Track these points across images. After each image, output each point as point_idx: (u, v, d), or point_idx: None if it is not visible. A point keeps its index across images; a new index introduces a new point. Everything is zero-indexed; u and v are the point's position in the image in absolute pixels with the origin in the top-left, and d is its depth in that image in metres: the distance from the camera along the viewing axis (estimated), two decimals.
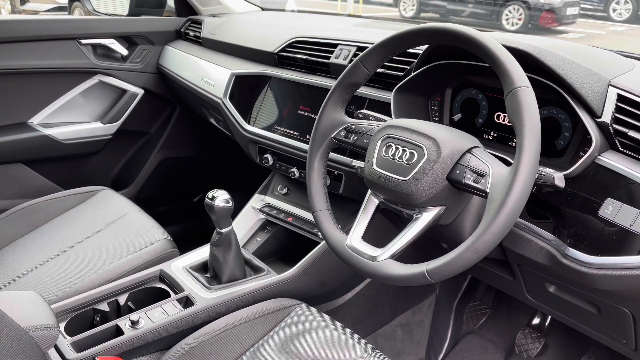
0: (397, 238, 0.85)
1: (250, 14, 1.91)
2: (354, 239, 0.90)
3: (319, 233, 1.13)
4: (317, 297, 1.29)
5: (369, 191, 0.93)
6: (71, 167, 1.83)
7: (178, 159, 2.06)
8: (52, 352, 0.98)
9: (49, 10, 6.32)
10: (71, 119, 1.78)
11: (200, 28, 1.78)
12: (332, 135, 0.98)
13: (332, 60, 1.27)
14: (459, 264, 0.74)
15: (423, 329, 1.56)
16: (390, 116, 1.05)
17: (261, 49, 1.45)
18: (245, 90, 1.47)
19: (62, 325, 1.07)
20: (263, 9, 2.03)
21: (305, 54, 1.34)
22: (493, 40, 0.78)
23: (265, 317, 1.09)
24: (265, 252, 1.39)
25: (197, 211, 2.11)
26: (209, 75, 1.59)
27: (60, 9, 6.26)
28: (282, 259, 1.40)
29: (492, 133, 1.03)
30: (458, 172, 0.80)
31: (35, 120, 1.72)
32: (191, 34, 1.82)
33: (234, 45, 1.58)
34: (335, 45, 1.30)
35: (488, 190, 0.76)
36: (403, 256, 0.83)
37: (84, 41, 1.75)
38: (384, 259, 0.84)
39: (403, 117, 1.00)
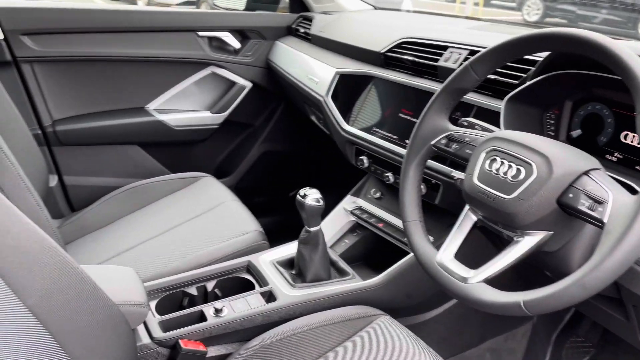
0: (493, 260, 0.77)
1: (362, 13, 1.89)
2: (445, 256, 0.84)
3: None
4: (401, 309, 1.23)
5: (467, 206, 0.86)
6: (179, 152, 1.93)
7: (278, 152, 2.10)
8: (141, 328, 1.03)
9: (180, 4, 6.78)
10: (183, 106, 1.88)
11: (311, 25, 1.78)
12: (432, 143, 0.93)
13: (441, 63, 1.21)
14: (562, 299, 0.66)
15: (515, 358, 1.44)
16: (499, 127, 0.97)
17: (368, 48, 1.42)
18: (348, 90, 1.45)
19: (152, 304, 1.12)
20: (376, 8, 1.99)
21: (413, 56, 1.29)
22: (627, 49, 0.68)
23: (346, 323, 1.06)
24: (352, 256, 1.36)
25: (292, 205, 2.13)
26: (314, 72, 1.59)
27: (190, 2, 6.70)
28: (369, 265, 1.37)
29: (616, 154, 0.91)
30: (571, 195, 0.71)
31: (152, 106, 1.84)
32: (301, 30, 1.83)
33: (341, 43, 1.56)
34: (445, 48, 1.23)
35: (605, 220, 0.66)
36: (497, 278, 0.76)
37: (201, 33, 1.83)
38: (476, 281, 0.77)
39: (513, 129, 0.92)
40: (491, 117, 1.05)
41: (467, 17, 4.35)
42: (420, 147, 0.94)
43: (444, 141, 0.92)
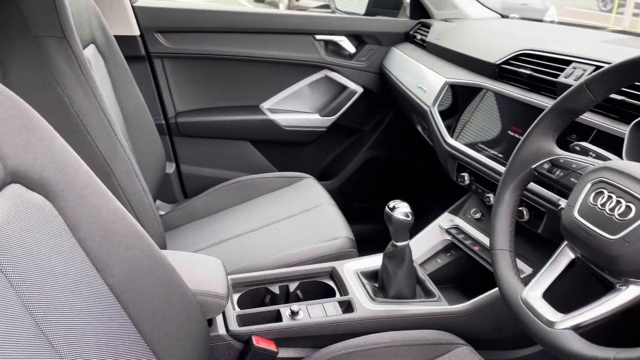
0: (588, 307, 0.68)
1: (486, 21, 1.78)
2: (533, 294, 0.75)
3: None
4: (486, 342, 1.14)
5: (565, 241, 0.76)
6: (287, 151, 1.98)
7: (383, 160, 2.06)
8: (219, 319, 1.07)
9: (317, 7, 7.00)
10: (294, 107, 1.92)
11: (428, 32, 1.72)
12: (533, 166, 0.84)
13: (561, 79, 1.09)
14: None
15: None
16: (620, 156, 0.85)
17: (481, 58, 1.33)
18: (456, 101, 1.37)
19: (236, 296, 1.15)
20: (503, 16, 1.87)
21: (531, 69, 1.18)
22: None
23: (422, 347, 1.01)
24: (443, 277, 1.28)
25: None
26: (423, 81, 1.53)
27: (326, 6, 6.87)
28: (458, 289, 1.28)
29: None
30: None
31: (265, 105, 1.91)
32: (418, 37, 1.78)
33: (454, 52, 1.49)
34: (568, 63, 1.11)
35: None
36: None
37: (318, 37, 1.86)
38: (563, 327, 0.68)
39: (637, 160, 0.80)
40: (613, 143, 0.92)
41: (613, 30, 3.94)
42: (520, 169, 0.86)
43: (546, 166, 0.82)
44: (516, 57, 1.25)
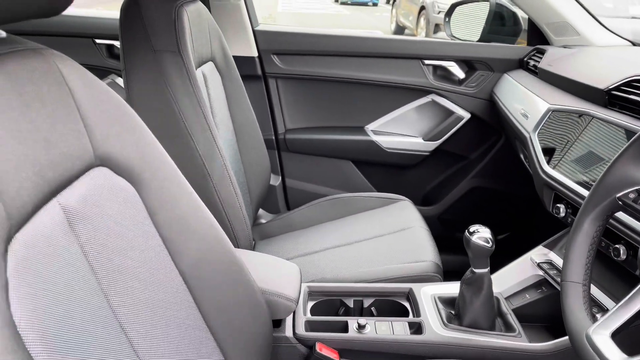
0: None
1: (610, 49, 1.65)
2: (599, 331, 0.69)
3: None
4: None
5: None
6: (387, 173, 1.99)
7: (489, 190, 1.98)
8: (289, 321, 1.11)
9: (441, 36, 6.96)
10: (398, 130, 1.93)
11: (542, 58, 1.64)
12: (618, 195, 0.77)
13: None
14: None
15: None
16: None
17: (588, 83, 1.24)
18: (558, 128, 1.29)
19: (310, 304, 1.19)
20: (634, 44, 1.72)
21: None
22: None
23: None
24: (529, 314, 1.20)
25: None
26: (527, 107, 1.46)
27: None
28: (546, 330, 1.18)
29: None
30: None
31: (370, 127, 1.95)
32: (531, 63, 1.70)
33: (561, 77, 1.40)
34: None
35: None
36: None
37: (427, 62, 1.87)
38: None
39: None
40: None
41: None
42: (602, 197, 0.79)
43: (632, 195, 0.75)
44: (628, 83, 1.14)
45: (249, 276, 0.92)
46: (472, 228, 1.06)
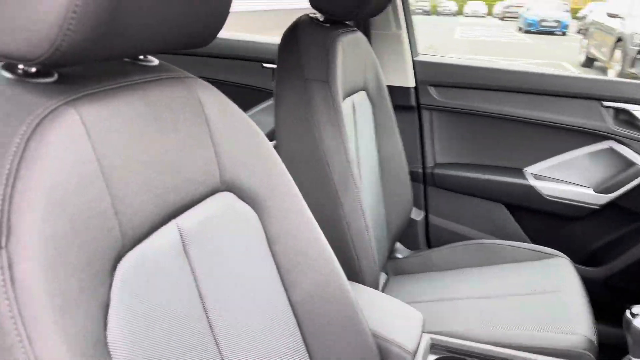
0: None
1: None
2: None
3: None
4: None
5: None
6: (545, 223, 1.78)
7: None
8: None
9: None
10: (563, 177, 1.72)
11: None
12: None
13: None
14: None
15: None
16: None
17: None
18: None
19: (432, 357, 1.10)
20: None
21: None
22: None
23: None
24: None
25: None
26: None
27: None
28: None
29: None
30: None
31: (530, 170, 1.77)
32: None
33: None
34: None
35: None
36: None
37: (606, 103, 1.64)
38: None
39: None
40: None
41: None
42: None
43: None
44: None
45: (362, 316, 0.88)
46: (636, 309, 0.88)
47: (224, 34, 2.10)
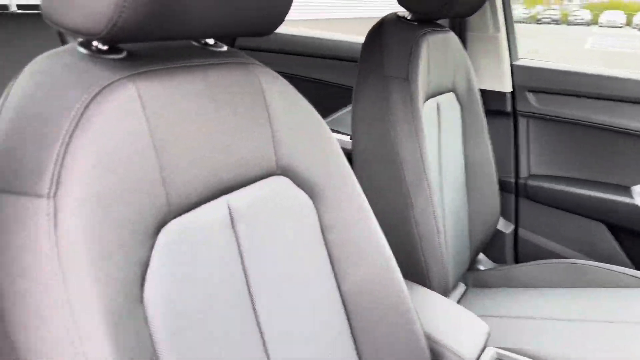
0: None
1: None
2: None
3: None
4: None
5: None
6: None
7: None
8: None
9: None
10: None
11: None
12: None
13: None
14: None
15: None
16: None
17: None
18: None
19: None
20: None
21: None
22: None
23: None
24: None
25: None
26: None
27: None
28: None
29: None
30: None
31: (638, 189, 1.60)
32: None
33: None
34: None
35: None
36: None
37: None
38: None
39: None
40: None
41: None
42: None
43: None
44: None
45: (415, 315, 0.85)
46: None
47: (323, 34, 2.15)
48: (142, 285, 0.53)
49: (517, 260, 1.80)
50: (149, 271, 0.54)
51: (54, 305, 0.44)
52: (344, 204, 0.80)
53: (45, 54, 0.56)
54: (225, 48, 0.73)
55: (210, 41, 0.72)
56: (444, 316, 0.98)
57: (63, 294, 0.44)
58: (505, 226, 1.79)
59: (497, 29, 1.67)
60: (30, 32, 1.14)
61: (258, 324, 0.68)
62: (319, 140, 0.79)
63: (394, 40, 1.20)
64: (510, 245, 1.80)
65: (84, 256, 0.45)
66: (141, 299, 0.53)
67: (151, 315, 0.53)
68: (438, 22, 1.39)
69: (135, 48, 0.61)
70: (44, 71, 0.53)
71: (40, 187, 0.46)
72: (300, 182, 0.77)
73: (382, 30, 1.21)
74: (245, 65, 0.72)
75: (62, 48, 0.58)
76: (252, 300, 0.68)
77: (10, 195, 0.46)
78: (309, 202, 0.78)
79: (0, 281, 0.44)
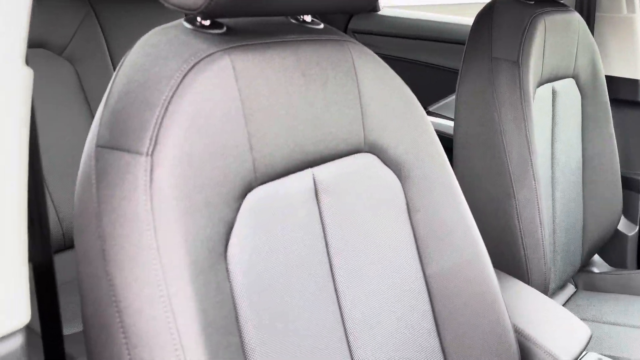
0: None
1: None
2: None
3: None
4: None
5: None
6: None
7: None
8: None
9: None
10: None
11: None
12: None
13: None
14: None
15: None
16: None
17: None
18: None
19: None
20: None
21: None
22: None
23: None
24: None
25: None
26: None
27: None
28: None
29: None
30: None
31: None
32: None
33: None
34: None
35: None
36: None
37: None
38: None
39: None
40: None
41: None
42: None
43: None
44: None
45: (503, 307, 0.82)
46: None
47: (453, 18, 2.06)
48: (226, 243, 0.57)
49: (639, 266, 1.63)
50: (233, 232, 0.58)
51: (147, 251, 0.49)
52: (433, 185, 0.79)
53: (156, 29, 0.62)
54: (322, 26, 0.75)
55: (308, 18, 0.74)
56: (539, 313, 0.92)
57: (153, 242, 0.49)
58: (627, 227, 1.62)
59: (632, 9, 1.51)
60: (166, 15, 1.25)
61: (337, 295, 0.70)
62: (410, 120, 0.78)
63: (505, 20, 1.13)
64: (633, 249, 1.64)
65: (173, 211, 0.50)
66: (225, 256, 0.57)
67: (232, 272, 0.57)
68: (561, 1, 1.29)
69: (234, 24, 0.65)
70: (152, 43, 0.59)
71: (141, 145, 0.51)
72: (388, 161, 0.77)
73: (493, 9, 1.15)
74: (339, 42, 0.73)
75: (171, 23, 0.63)
76: (332, 272, 0.70)
77: (118, 151, 0.52)
78: (396, 181, 0.78)
79: (104, 226, 0.51)
